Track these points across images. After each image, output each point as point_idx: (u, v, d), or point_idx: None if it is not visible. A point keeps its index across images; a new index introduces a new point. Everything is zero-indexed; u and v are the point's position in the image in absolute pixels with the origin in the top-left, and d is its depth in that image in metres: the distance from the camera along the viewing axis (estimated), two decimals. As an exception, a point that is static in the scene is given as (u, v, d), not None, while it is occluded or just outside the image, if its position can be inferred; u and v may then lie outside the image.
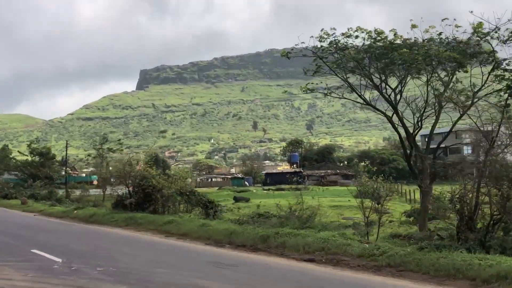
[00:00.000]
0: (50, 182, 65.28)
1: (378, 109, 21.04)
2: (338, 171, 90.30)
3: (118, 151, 53.88)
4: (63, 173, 74.36)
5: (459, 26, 16.92)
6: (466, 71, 18.72)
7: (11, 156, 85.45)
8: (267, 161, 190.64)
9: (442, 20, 16.89)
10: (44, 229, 23.06)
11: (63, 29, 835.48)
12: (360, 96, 20.21)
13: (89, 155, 72.20)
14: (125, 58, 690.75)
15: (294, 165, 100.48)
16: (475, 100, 18.23)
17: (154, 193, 24.11)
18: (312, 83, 20.12)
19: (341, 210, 36.81)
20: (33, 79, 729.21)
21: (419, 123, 20.54)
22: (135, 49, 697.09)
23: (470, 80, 18.86)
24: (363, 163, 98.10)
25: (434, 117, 20.26)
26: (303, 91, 19.25)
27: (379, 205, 18.97)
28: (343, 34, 18.42)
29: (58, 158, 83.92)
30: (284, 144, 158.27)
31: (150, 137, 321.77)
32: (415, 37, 17.74)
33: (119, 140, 60.06)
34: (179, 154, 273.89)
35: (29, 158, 69.15)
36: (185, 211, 27.09)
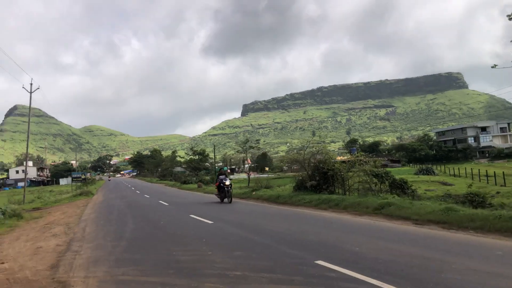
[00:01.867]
0: (208, 172, 70.11)
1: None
2: (386, 158, 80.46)
3: (256, 148, 51.68)
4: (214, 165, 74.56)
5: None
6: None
7: (177, 158, 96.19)
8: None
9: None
10: (251, 213, 16.30)
11: (200, 84, 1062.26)
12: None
13: (237, 151, 66.39)
14: (234, 99, 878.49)
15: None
16: None
17: (334, 176, 18.35)
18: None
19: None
20: (184, 114, 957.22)
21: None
22: (240, 93, 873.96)
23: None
24: (400, 152, 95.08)
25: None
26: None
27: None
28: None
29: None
30: (334, 144, 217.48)
31: (238, 146, 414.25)
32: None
33: (257, 140, 56.16)
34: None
35: (192, 157, 69.68)
36: (366, 193, 16.90)
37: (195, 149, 72.85)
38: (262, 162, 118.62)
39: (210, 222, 13.21)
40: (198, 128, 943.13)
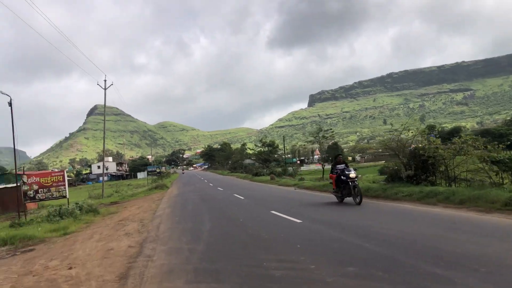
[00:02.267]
0: (278, 164, 66.97)
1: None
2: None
3: (330, 137, 45.77)
4: (283, 157, 76.92)
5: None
6: None
7: (246, 150, 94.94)
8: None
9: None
10: (343, 209, 13.31)
11: (266, 77, 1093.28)
12: None
13: (308, 141, 55.01)
14: (301, 89, 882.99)
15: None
16: None
17: (435, 164, 15.19)
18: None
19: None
20: (251, 107, 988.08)
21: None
22: (306, 83, 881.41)
23: None
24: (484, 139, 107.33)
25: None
26: None
27: None
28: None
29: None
30: (407, 132, 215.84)
31: (310, 136, 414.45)
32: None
33: (331, 129, 50.06)
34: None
35: (261, 149, 67.25)
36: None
37: (264, 140, 71.55)
38: (333, 152, 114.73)
39: (297, 220, 11.22)
40: (265, 120, 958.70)
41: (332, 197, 15.98)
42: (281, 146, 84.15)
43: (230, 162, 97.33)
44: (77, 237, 13.72)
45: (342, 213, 12.54)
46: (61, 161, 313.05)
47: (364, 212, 12.21)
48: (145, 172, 45.31)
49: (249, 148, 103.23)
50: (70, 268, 8.71)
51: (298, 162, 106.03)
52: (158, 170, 46.43)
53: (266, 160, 65.75)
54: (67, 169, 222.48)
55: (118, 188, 45.16)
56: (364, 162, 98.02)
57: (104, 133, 38.63)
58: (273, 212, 13.80)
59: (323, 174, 42.23)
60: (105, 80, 38.12)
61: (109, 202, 31.36)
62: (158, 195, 32.67)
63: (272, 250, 7.93)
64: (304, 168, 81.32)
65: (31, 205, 30.05)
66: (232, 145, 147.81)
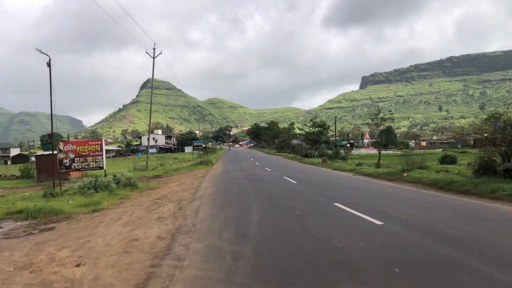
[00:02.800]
0: (328, 145, 64.45)
1: None
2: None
3: (389, 120, 40.46)
4: (332, 139, 74.68)
5: None
6: None
7: (294, 130, 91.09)
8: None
9: None
10: (434, 208, 10.18)
11: (319, 58, 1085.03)
12: None
13: (366, 123, 49.51)
14: (353, 71, 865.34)
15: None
16: None
17: None
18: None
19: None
20: (301, 87, 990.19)
21: None
22: (359, 64, 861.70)
23: None
24: None
25: None
26: None
27: None
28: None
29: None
30: (463, 120, 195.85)
31: (368, 118, 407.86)
32: None
33: (390, 111, 43.80)
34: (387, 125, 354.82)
35: (311, 129, 62.57)
36: None
37: (314, 120, 68.17)
38: (386, 137, 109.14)
39: (377, 222, 8.42)
40: (314, 101, 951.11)
41: (408, 189, 13.39)
42: (331, 128, 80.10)
43: (276, 141, 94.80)
44: (104, 216, 11.83)
45: (434, 214, 9.42)
46: (114, 132, 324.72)
47: (465, 214, 9.26)
48: (192, 147, 43.61)
49: (297, 127, 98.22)
50: (78, 265, 6.72)
51: (348, 145, 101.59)
52: (203, 145, 44.45)
53: (316, 141, 62.55)
54: (119, 139, 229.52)
55: (164, 161, 44.11)
56: (419, 149, 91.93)
57: (151, 103, 37.16)
58: (337, 204, 11.06)
59: (379, 159, 38.79)
60: (154, 49, 36.46)
61: (152, 175, 29.98)
62: (202, 171, 30.87)
63: (357, 274, 5.25)
64: (354, 152, 76.81)
65: (75, 173, 29.23)
66: (279, 125, 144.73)
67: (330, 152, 49.19)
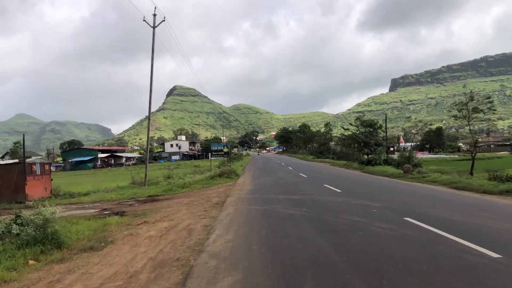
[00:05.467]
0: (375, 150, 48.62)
1: None
2: None
3: (488, 111, 28.36)
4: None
5: None
6: None
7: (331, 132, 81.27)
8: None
9: None
10: None
11: (352, 62, 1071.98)
12: None
13: (454, 116, 36.55)
14: (384, 73, 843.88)
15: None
16: None
17: None
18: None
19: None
20: (331, 92, 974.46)
21: None
22: (390, 67, 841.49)
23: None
24: None
25: None
26: None
27: None
28: None
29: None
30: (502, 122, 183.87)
31: (399, 121, 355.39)
32: None
33: (489, 97, 30.69)
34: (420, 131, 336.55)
35: (357, 130, 49.46)
36: None
37: (362, 119, 55.91)
38: (436, 139, 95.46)
39: None
40: (344, 106, 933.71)
41: None
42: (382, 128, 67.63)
43: (310, 145, 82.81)
44: None
45: None
46: (140, 139, 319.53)
47: None
48: (210, 152, 32.29)
49: (350, 124, 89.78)
50: None
51: (391, 149, 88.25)
52: (225, 150, 32.49)
53: (365, 144, 50.34)
54: (144, 147, 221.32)
55: (174, 172, 33.21)
56: (476, 153, 77.79)
57: (151, 90, 26.25)
58: None
59: (472, 166, 26.96)
60: (154, 15, 25.61)
61: (145, 195, 19.13)
62: (222, 189, 19.68)
63: None
64: (395, 156, 64.01)
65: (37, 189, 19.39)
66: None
67: (395, 157, 37.12)
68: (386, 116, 65.73)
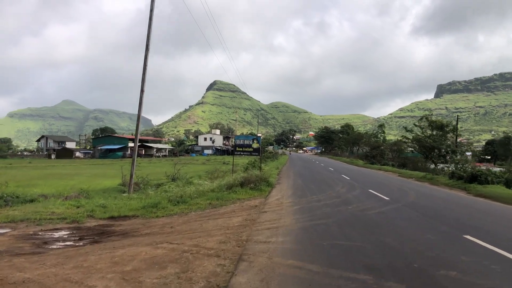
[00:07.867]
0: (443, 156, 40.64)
1: None
2: None
3: None
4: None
5: None
6: None
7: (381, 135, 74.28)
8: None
9: None
10: None
11: (401, 66, 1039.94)
12: None
13: None
14: (431, 79, 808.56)
15: None
16: None
17: None
18: None
19: None
20: (375, 95, 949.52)
21: None
22: (440, 73, 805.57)
23: None
24: None
25: None
26: None
27: None
28: None
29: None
30: None
31: None
32: None
33: None
34: (467, 141, 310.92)
35: (425, 132, 42.85)
36: None
37: (430, 119, 45.21)
38: (500, 150, 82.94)
39: None
40: (387, 110, 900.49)
41: None
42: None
43: (356, 148, 72.15)
44: None
45: None
46: (178, 131, 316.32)
47: None
48: (234, 148, 23.02)
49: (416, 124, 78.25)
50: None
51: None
52: (254, 145, 22.27)
53: (432, 149, 40.13)
54: (180, 139, 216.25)
55: (181, 171, 24.18)
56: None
57: (144, 71, 17.15)
58: None
59: None
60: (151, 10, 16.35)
61: (105, 217, 10.01)
62: (235, 222, 10.16)
63: None
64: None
65: None
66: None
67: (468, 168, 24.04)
68: (457, 117, 54.29)
